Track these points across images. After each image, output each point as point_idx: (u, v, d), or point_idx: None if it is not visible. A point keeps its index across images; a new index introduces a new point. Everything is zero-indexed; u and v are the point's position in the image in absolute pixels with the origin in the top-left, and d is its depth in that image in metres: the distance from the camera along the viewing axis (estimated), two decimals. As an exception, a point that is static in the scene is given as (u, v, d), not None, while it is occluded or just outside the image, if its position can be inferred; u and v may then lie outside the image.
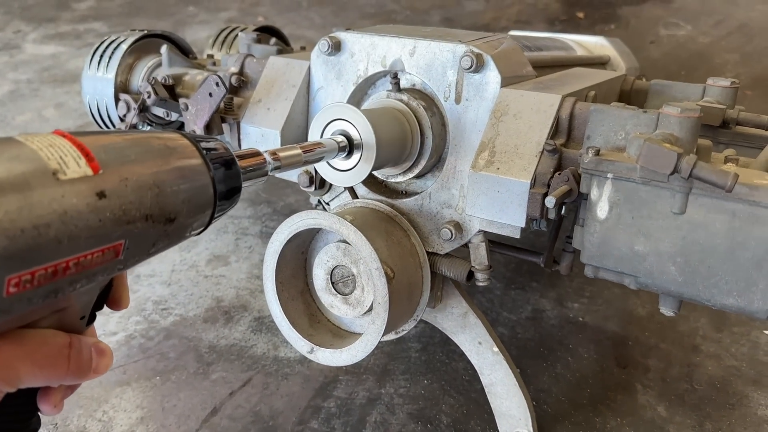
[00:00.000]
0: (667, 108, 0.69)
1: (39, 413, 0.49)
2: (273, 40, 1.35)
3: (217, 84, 0.96)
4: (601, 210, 0.74)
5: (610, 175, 0.72)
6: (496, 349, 0.97)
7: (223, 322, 1.33)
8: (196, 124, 1.00)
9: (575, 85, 0.93)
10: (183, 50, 1.32)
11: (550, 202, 0.73)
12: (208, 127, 1.01)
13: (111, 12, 3.74)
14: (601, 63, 1.45)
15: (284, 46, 1.37)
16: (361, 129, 0.78)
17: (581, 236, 0.77)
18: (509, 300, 1.40)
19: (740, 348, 1.25)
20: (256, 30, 1.36)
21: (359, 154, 0.79)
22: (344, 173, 0.81)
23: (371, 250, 0.82)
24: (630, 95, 1.14)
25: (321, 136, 0.81)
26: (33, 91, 2.66)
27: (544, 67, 1.06)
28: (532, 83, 0.90)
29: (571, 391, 1.15)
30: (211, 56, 1.36)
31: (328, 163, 0.81)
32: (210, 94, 0.97)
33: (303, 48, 1.30)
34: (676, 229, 0.70)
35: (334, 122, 0.80)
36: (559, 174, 0.76)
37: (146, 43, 1.28)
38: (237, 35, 1.44)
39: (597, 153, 0.73)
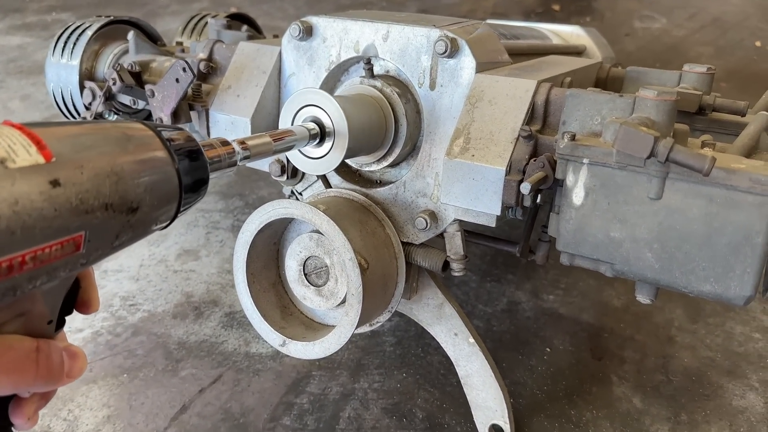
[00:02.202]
0: (644, 91, 0.68)
1: (12, 428, 0.47)
2: (244, 27, 1.31)
3: (184, 69, 0.93)
4: (577, 196, 0.72)
5: (585, 161, 0.71)
6: (472, 340, 0.96)
7: (193, 317, 1.30)
8: (162, 111, 0.97)
9: (551, 71, 0.91)
10: (151, 37, 1.28)
11: (525, 188, 0.72)
12: (176, 114, 0.97)
13: (80, 2, 3.65)
14: (576, 52, 1.44)
15: (255, 33, 1.34)
16: (333, 115, 0.76)
17: (557, 223, 0.76)
18: (485, 292, 1.39)
19: (715, 339, 1.26)
20: (227, 17, 1.33)
21: (331, 142, 0.77)
22: (316, 161, 0.79)
23: (345, 240, 0.79)
24: (606, 82, 1.13)
25: (292, 123, 0.79)
26: (-2, 82, 2.59)
27: (519, 54, 1.04)
28: (507, 69, 0.88)
29: (546, 383, 1.14)
30: (180, 43, 1.32)
31: (299, 150, 0.79)
32: (177, 80, 0.94)
33: (275, 36, 1.27)
34: (653, 214, 0.69)
35: (305, 108, 0.78)
36: (535, 160, 0.75)
37: (113, 30, 1.23)
38: (207, 22, 1.40)
39: (573, 138, 0.71)
